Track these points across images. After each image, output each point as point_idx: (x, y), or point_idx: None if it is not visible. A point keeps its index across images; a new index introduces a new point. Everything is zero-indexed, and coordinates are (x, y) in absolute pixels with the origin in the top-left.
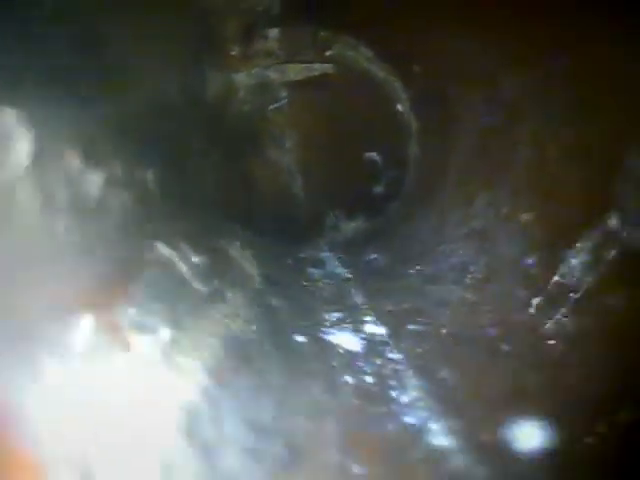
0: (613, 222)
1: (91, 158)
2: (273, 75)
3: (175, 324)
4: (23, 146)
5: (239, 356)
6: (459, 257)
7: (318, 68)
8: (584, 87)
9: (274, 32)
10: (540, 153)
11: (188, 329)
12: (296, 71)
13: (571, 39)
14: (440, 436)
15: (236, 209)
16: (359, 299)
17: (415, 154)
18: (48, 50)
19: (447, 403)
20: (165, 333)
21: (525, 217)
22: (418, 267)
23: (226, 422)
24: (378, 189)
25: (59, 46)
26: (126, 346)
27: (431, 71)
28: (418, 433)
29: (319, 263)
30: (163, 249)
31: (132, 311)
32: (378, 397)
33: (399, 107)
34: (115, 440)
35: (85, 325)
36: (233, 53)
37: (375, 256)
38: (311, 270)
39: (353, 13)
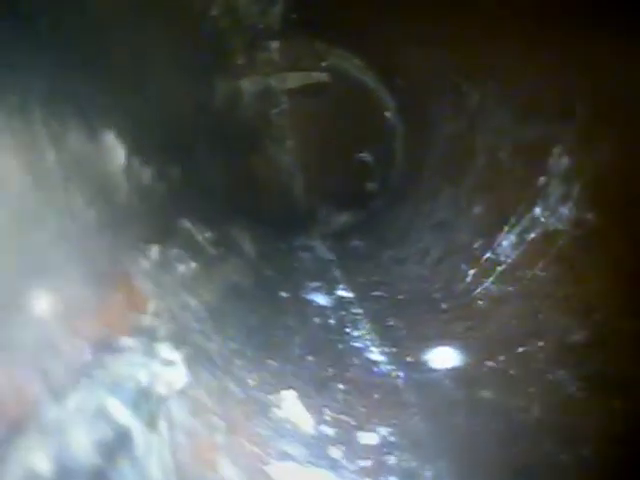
0: (537, 211)
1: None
2: (274, 83)
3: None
4: (121, 154)
5: (236, 293)
6: (423, 243)
7: (315, 77)
8: (522, 102)
9: (275, 44)
10: (491, 157)
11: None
12: (295, 79)
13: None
14: (376, 354)
15: (241, 201)
16: (337, 274)
17: (399, 156)
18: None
19: (388, 339)
20: (190, 266)
21: (476, 210)
22: (390, 251)
23: (227, 324)
24: (368, 186)
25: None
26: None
27: (412, 83)
28: (360, 350)
29: (309, 249)
30: (186, 223)
31: (175, 250)
32: (336, 330)
33: (386, 114)
34: None
35: (155, 251)
36: (239, 63)
37: (357, 243)
38: (301, 254)
39: (347, 28)
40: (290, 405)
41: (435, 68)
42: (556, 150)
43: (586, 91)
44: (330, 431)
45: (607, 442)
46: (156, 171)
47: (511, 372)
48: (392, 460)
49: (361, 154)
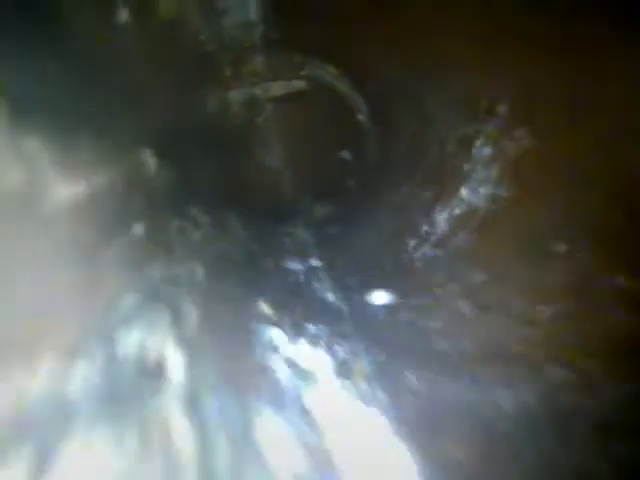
0: (463, 192)
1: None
2: (259, 92)
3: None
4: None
5: (223, 262)
6: (384, 226)
7: (295, 85)
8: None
9: (259, 59)
10: (438, 152)
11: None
12: (277, 88)
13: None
14: (333, 299)
15: (233, 198)
16: (315, 254)
17: (371, 155)
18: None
19: (344, 289)
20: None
21: (425, 196)
22: (358, 232)
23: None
24: (347, 182)
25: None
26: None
27: (379, 89)
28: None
29: (292, 235)
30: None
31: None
32: (305, 284)
33: (359, 117)
34: None
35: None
36: (227, 76)
37: (335, 231)
38: (285, 240)
39: (321, 42)
40: None
41: (398, 75)
42: (480, 142)
43: (510, 94)
44: None
45: None
46: (154, 174)
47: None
48: None
49: (340, 153)
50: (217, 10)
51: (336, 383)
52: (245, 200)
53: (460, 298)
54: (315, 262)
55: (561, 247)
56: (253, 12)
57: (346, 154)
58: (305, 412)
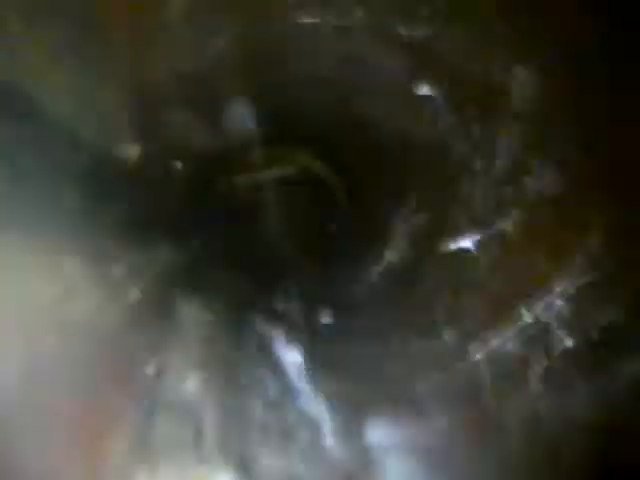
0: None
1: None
2: (260, 177)
3: None
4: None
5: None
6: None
7: (288, 171)
8: None
9: (259, 151)
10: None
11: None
12: (273, 173)
13: None
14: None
15: (246, 257)
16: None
17: (348, 226)
18: None
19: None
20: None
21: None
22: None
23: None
24: (332, 247)
25: None
26: None
27: (350, 176)
28: None
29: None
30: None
31: None
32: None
33: (337, 195)
34: None
35: None
36: (233, 165)
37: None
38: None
39: (306, 139)
40: None
41: (361, 165)
42: None
43: None
44: None
45: None
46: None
47: None
48: None
49: (325, 225)
50: (221, 126)
51: None
52: (255, 260)
53: None
54: (298, 302)
55: None
56: (252, 124)
57: (330, 227)
58: None
